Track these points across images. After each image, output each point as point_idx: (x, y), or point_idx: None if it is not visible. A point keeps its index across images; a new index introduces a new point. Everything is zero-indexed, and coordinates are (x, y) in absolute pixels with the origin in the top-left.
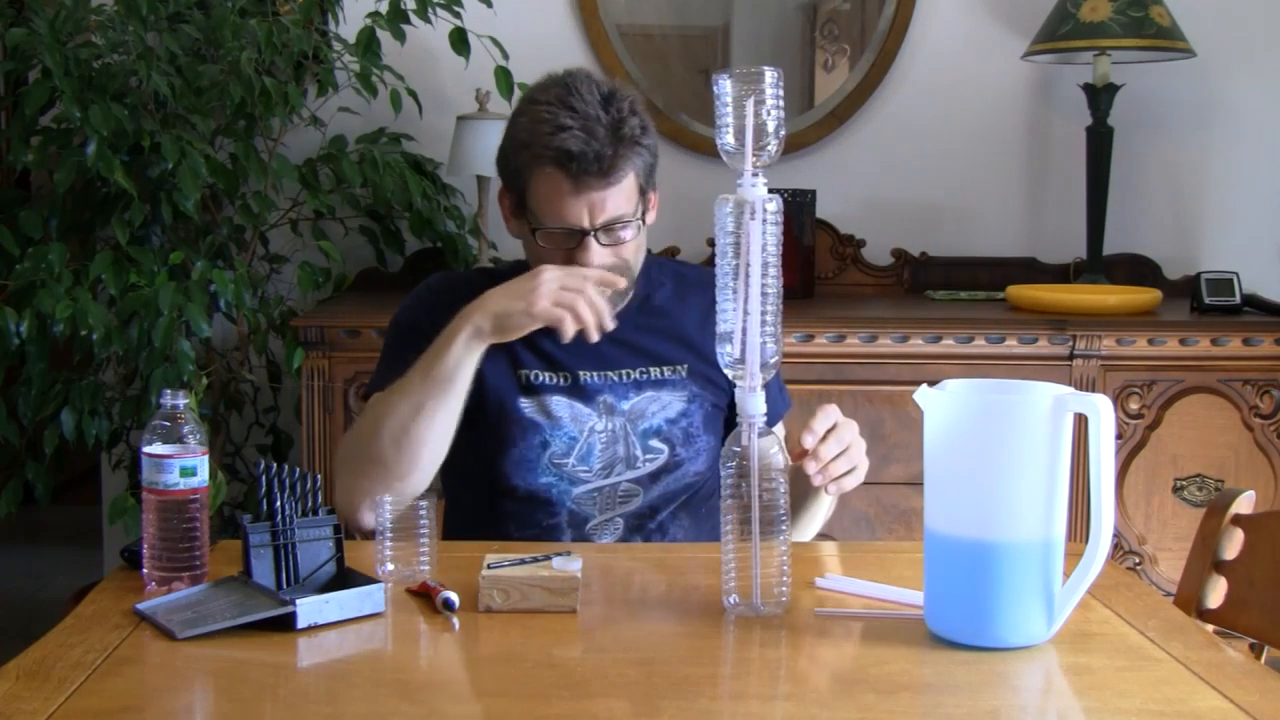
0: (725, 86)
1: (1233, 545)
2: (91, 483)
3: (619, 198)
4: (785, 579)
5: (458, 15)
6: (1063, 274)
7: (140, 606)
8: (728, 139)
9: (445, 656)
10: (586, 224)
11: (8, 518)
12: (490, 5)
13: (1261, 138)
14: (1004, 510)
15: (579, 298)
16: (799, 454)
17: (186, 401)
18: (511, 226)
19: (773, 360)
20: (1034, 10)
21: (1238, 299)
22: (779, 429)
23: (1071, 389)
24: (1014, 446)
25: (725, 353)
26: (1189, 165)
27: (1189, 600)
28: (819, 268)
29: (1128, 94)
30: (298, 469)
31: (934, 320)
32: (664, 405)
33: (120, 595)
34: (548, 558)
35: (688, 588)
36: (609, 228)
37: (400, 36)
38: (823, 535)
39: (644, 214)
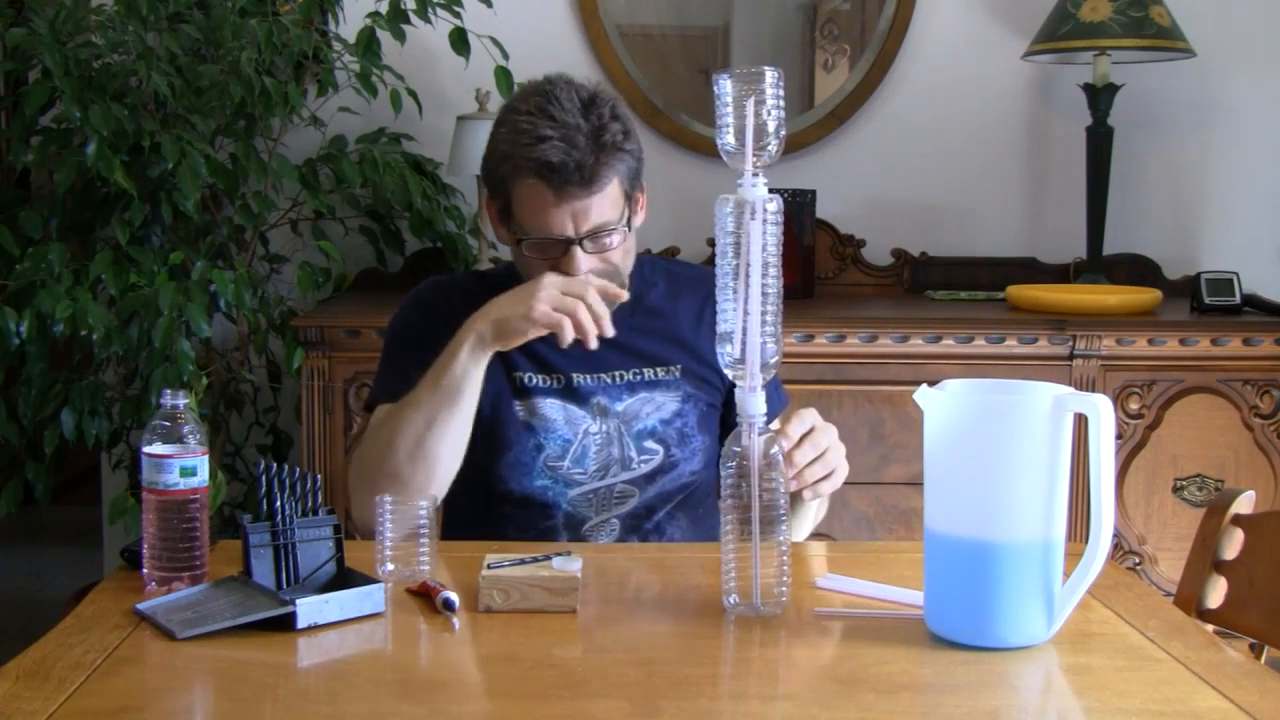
0: (725, 86)
1: (1233, 545)
2: (91, 483)
3: (603, 205)
4: (785, 579)
5: (458, 15)
6: (1063, 274)
7: (140, 606)
8: (728, 139)
9: (445, 656)
10: (571, 233)
11: (8, 518)
12: (490, 5)
13: (1261, 138)
14: (1004, 510)
15: (579, 304)
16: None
17: (186, 401)
18: (500, 233)
19: (773, 360)
20: (1034, 10)
21: (1238, 299)
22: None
23: (1071, 389)
24: (1014, 446)
25: (725, 353)
26: (1189, 165)
27: (1189, 600)
28: (819, 268)
29: (1128, 94)
30: (298, 469)
31: (934, 320)
32: (658, 406)
33: (120, 595)
34: (547, 558)
35: (687, 587)
36: (594, 235)
37: (400, 36)
38: (823, 535)
39: (630, 218)
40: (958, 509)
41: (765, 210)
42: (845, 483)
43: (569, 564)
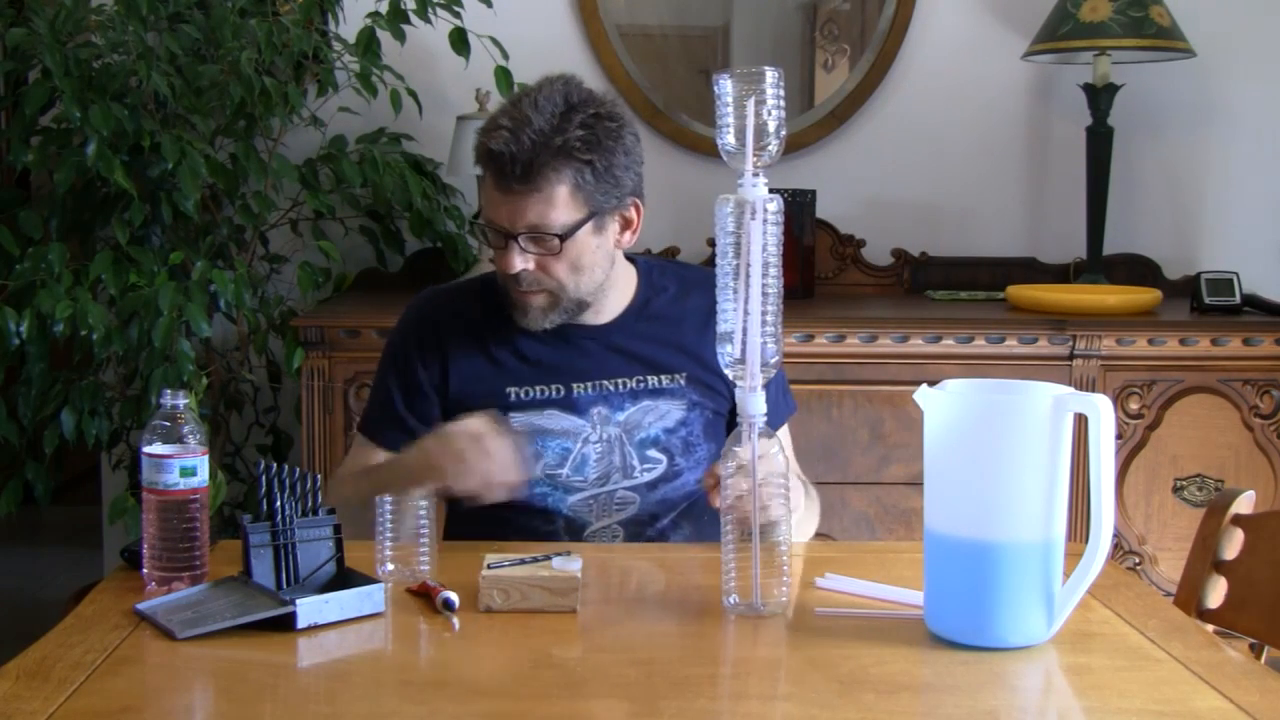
0: (726, 86)
1: (1233, 545)
2: (91, 483)
3: (542, 207)
4: (785, 579)
5: (458, 15)
6: (1063, 274)
7: (140, 606)
8: (728, 139)
9: (445, 656)
10: (509, 227)
11: (8, 518)
12: (490, 5)
13: (1261, 138)
14: (1004, 510)
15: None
16: (712, 484)
17: (186, 401)
18: None
19: (773, 360)
20: (1034, 10)
21: (1238, 299)
22: (783, 432)
23: (1071, 389)
24: (1014, 446)
25: (725, 353)
26: (1189, 165)
27: (1189, 600)
28: (819, 268)
29: (1128, 94)
30: (298, 469)
31: (934, 320)
32: (661, 415)
33: (120, 595)
34: (548, 558)
35: (687, 588)
36: (532, 236)
37: (400, 36)
38: (823, 535)
39: (599, 226)
40: (958, 509)
41: (765, 210)
42: (845, 483)
43: (569, 564)
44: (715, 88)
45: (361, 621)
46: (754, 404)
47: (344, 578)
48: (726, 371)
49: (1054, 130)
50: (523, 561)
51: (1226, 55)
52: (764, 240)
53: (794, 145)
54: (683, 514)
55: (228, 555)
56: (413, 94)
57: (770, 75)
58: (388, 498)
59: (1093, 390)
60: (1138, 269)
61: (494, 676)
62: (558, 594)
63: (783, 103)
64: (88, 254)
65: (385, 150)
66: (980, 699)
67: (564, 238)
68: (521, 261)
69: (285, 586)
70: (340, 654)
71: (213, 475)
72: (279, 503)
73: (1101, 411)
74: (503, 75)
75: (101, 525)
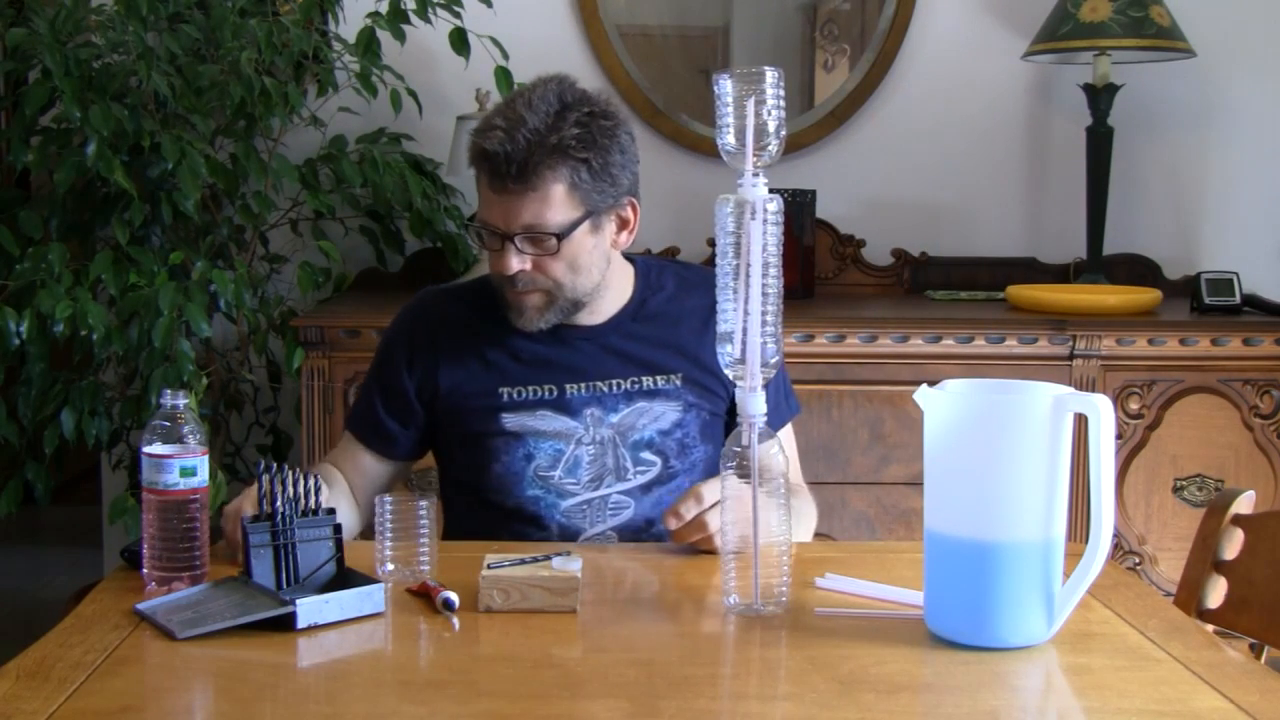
0: (726, 86)
1: (1233, 545)
2: (91, 483)
3: (538, 206)
4: (785, 579)
5: (458, 15)
6: (1063, 274)
7: (140, 606)
8: (728, 139)
9: (445, 656)
10: (504, 228)
11: (8, 518)
12: (490, 5)
13: (1261, 138)
14: (1004, 510)
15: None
16: (673, 524)
17: (186, 401)
18: None
19: (773, 360)
20: (1034, 10)
21: (1238, 299)
22: (786, 433)
23: (1071, 389)
24: (1014, 446)
25: (725, 353)
26: (1189, 165)
27: (1189, 600)
28: (819, 268)
29: (1128, 94)
30: (298, 469)
31: (934, 320)
32: (656, 417)
33: (120, 595)
34: (548, 558)
35: (687, 588)
36: (529, 237)
37: (400, 36)
38: (823, 535)
39: (595, 225)
40: (958, 509)
41: (765, 210)
42: (845, 483)
43: (569, 564)
44: (715, 88)
45: (361, 621)
46: (754, 404)
47: (344, 578)
48: (727, 371)
49: (1054, 130)
50: (523, 561)
51: (1226, 55)
52: (764, 240)
53: (794, 145)
54: None
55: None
56: (413, 94)
57: (770, 75)
58: (387, 497)
59: (1093, 390)
60: (1138, 269)
61: (494, 676)
62: (558, 594)
63: (783, 103)
64: (88, 254)
65: (385, 150)
66: (980, 699)
67: (561, 237)
68: (518, 262)
69: (285, 586)
70: (340, 654)
71: (213, 475)
72: (279, 503)
73: (1101, 411)
74: (503, 75)
75: (101, 525)
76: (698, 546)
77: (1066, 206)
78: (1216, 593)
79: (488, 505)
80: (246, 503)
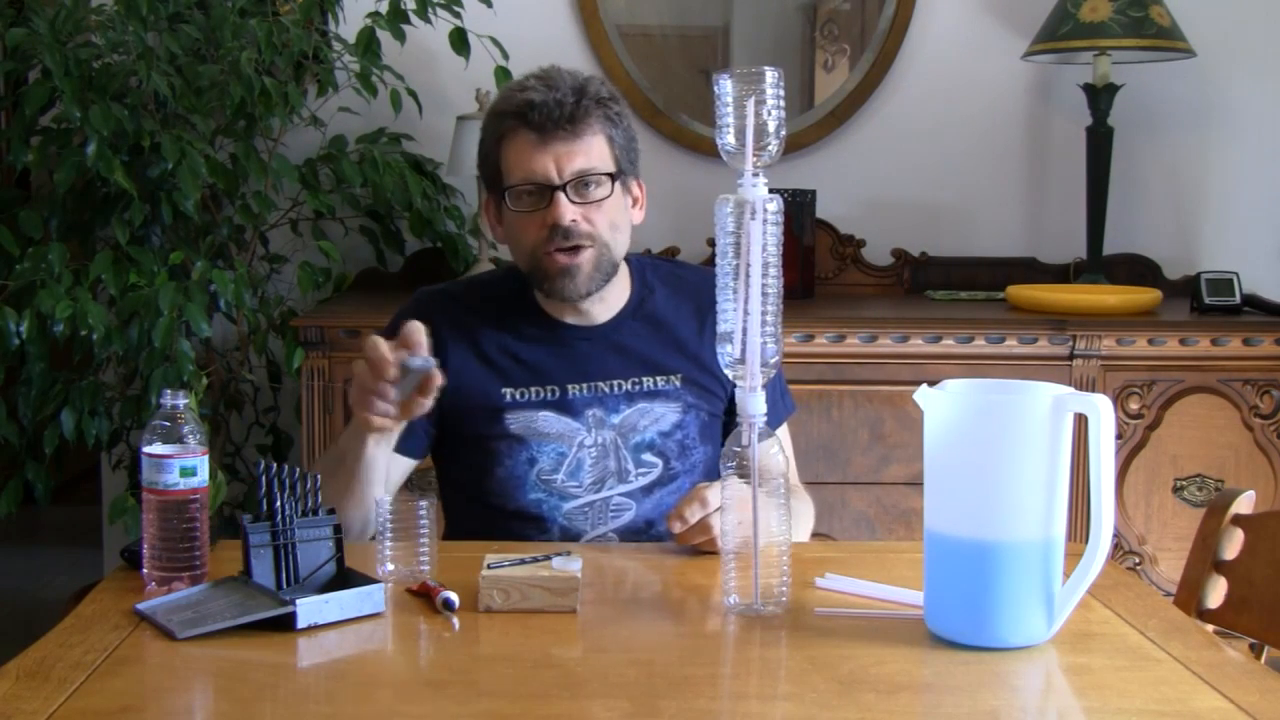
0: (726, 86)
1: (1233, 545)
2: (91, 483)
3: (588, 153)
4: (785, 579)
5: (458, 15)
6: (1063, 274)
7: (140, 606)
8: (728, 139)
9: (445, 656)
10: (555, 178)
11: (8, 518)
12: (490, 5)
13: (1261, 138)
14: (1004, 510)
15: (367, 397)
16: (677, 527)
17: (186, 401)
18: (497, 232)
19: (773, 360)
20: (1034, 10)
21: (1238, 299)
22: (783, 432)
23: (1071, 389)
24: (1014, 446)
25: (725, 353)
26: (1189, 165)
27: (1189, 600)
28: (819, 268)
29: (1128, 94)
30: (298, 469)
31: (934, 320)
32: (657, 418)
33: (120, 595)
34: (548, 558)
35: (688, 588)
36: (579, 183)
37: (400, 36)
38: (823, 535)
39: (625, 187)
40: (958, 509)
41: (765, 210)
42: (845, 483)
43: (569, 564)
44: (715, 88)
45: (361, 621)
46: (754, 404)
47: (344, 578)
48: (726, 371)
49: (1054, 130)
50: (523, 561)
51: (1226, 55)
52: (764, 240)
53: (794, 145)
54: None
55: (228, 555)
56: (413, 94)
57: (770, 75)
58: (387, 497)
59: (1093, 390)
60: (1138, 269)
61: (494, 676)
62: (558, 594)
63: (783, 103)
64: (88, 254)
65: (385, 150)
66: (980, 699)
67: (614, 178)
68: (571, 212)
69: (285, 586)
70: (340, 654)
71: (213, 475)
72: (279, 503)
73: (1101, 411)
74: (503, 75)
75: (101, 525)
76: (701, 548)
77: (1066, 206)
78: (1216, 593)
79: (488, 507)
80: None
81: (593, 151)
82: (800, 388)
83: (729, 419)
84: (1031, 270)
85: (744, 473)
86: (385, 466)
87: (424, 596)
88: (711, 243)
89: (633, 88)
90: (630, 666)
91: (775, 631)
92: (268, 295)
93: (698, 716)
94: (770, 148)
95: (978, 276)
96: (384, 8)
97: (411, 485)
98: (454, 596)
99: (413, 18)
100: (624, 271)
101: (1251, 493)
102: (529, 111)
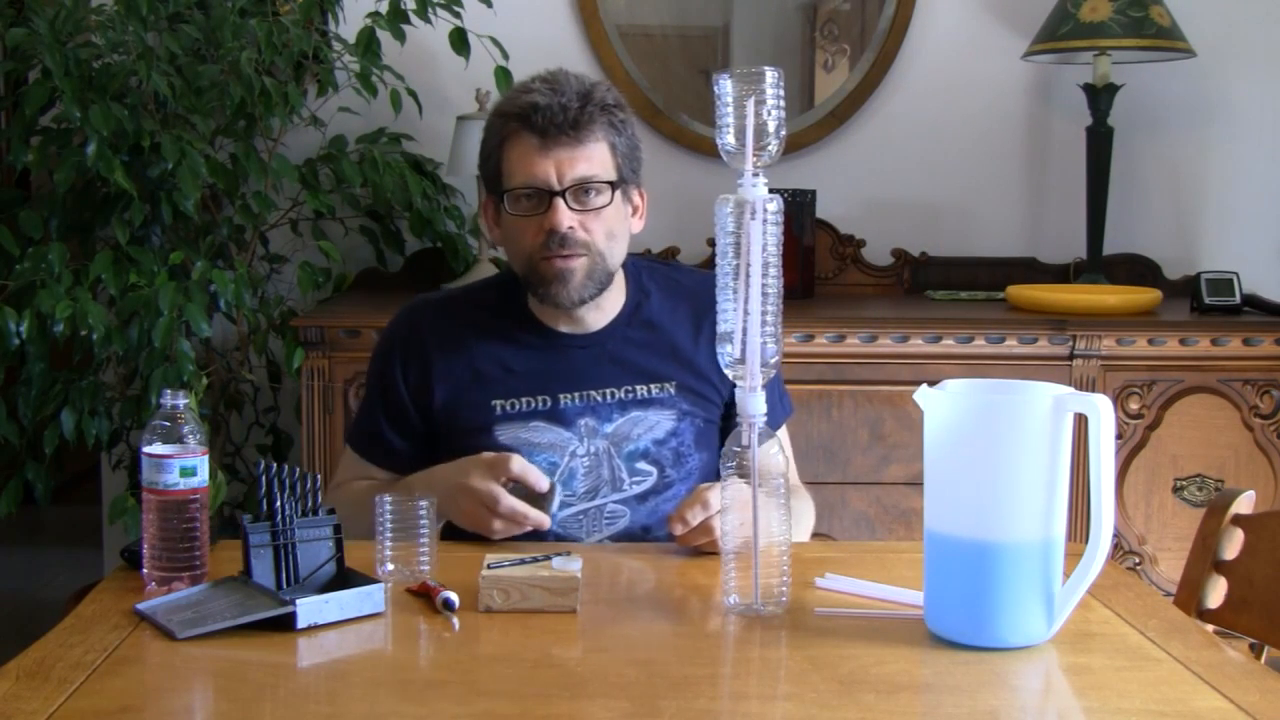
0: (726, 86)
1: (1233, 545)
2: (91, 483)
3: (590, 160)
4: (785, 579)
5: (458, 15)
6: (1063, 274)
7: (140, 606)
8: (728, 139)
9: (445, 656)
10: (555, 183)
11: (8, 518)
12: (490, 5)
13: (1261, 138)
14: (1004, 510)
15: (489, 521)
16: (679, 529)
17: (186, 401)
18: (494, 233)
19: (773, 360)
20: (1034, 10)
21: (1238, 299)
22: (781, 433)
23: (1071, 389)
24: (1014, 446)
25: (725, 353)
26: (1189, 165)
27: (1189, 600)
28: (819, 268)
29: (1128, 94)
30: (298, 469)
31: (934, 320)
32: (650, 426)
33: (120, 595)
34: (548, 558)
35: (688, 587)
36: (579, 190)
37: (400, 36)
38: (823, 535)
39: (625, 195)
40: (958, 509)
41: (765, 210)
42: (845, 483)
43: (569, 564)
44: (715, 88)
45: (361, 621)
46: (754, 404)
47: (344, 578)
48: (726, 371)
49: (1054, 130)
50: (523, 561)
51: (1226, 55)
52: (764, 240)
53: (794, 145)
54: None
55: (228, 555)
56: (413, 94)
57: (770, 75)
58: (387, 497)
59: (1093, 390)
60: (1138, 269)
61: (494, 676)
62: (558, 594)
63: (783, 103)
64: (88, 254)
65: (385, 150)
66: (980, 699)
67: (615, 187)
68: (569, 220)
69: (285, 586)
70: (340, 654)
71: (213, 475)
72: (279, 503)
73: (1101, 411)
74: (503, 75)
75: (101, 525)
76: (703, 549)
77: (1066, 206)
78: (1216, 593)
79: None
80: (485, 485)
81: (594, 158)
82: (800, 388)
83: (726, 424)
84: (1031, 270)
85: (744, 473)
86: None
87: (424, 596)
88: (711, 243)
89: (633, 88)
90: (630, 666)
91: (775, 631)
92: (268, 295)
93: (698, 716)
94: (770, 148)
95: (978, 276)
96: (384, 8)
97: None
98: (454, 596)
99: (413, 18)
100: (620, 277)
101: (1251, 493)
102: (532, 114)
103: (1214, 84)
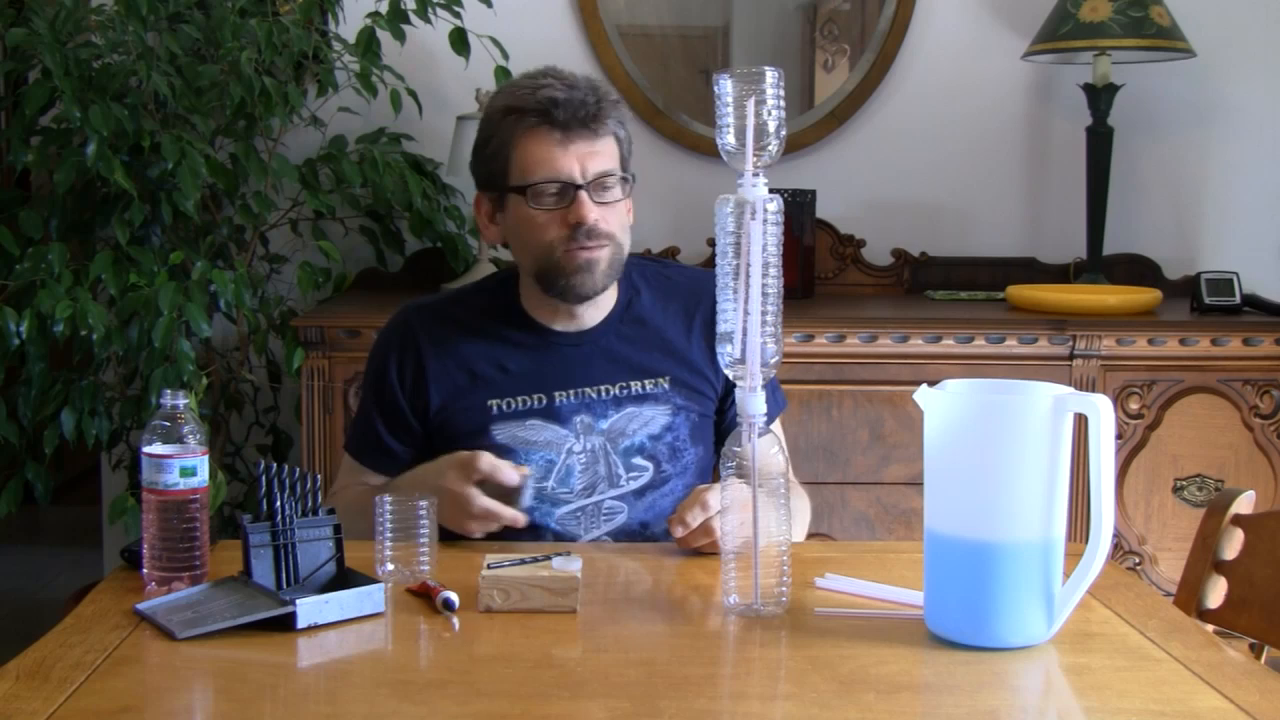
0: (726, 86)
1: (1233, 545)
2: (91, 483)
3: (607, 153)
4: (785, 579)
5: (458, 15)
6: (1063, 274)
7: (140, 606)
8: (728, 139)
9: (445, 656)
10: (578, 177)
11: (8, 518)
12: (490, 5)
13: (1261, 138)
14: (1004, 510)
15: (465, 522)
16: (678, 531)
17: (186, 401)
18: (490, 232)
19: (773, 360)
20: (1034, 10)
21: (1238, 299)
22: (775, 427)
23: (1071, 389)
24: (1014, 446)
25: (725, 352)
26: (1189, 165)
27: (1189, 600)
28: (819, 268)
29: (1128, 94)
30: (298, 469)
31: (934, 320)
32: (646, 422)
33: (120, 595)
34: (548, 558)
35: (688, 587)
36: (600, 184)
37: (400, 36)
38: (823, 535)
39: (630, 187)
40: (958, 509)
41: (765, 210)
42: (845, 483)
43: (569, 564)
44: (715, 88)
45: (361, 621)
46: (754, 404)
47: (344, 578)
48: (727, 371)
49: (1054, 130)
50: (523, 561)
51: (1226, 55)
52: (764, 240)
53: (794, 145)
54: None
55: (228, 555)
56: (413, 94)
57: (770, 75)
58: (387, 497)
59: (1093, 390)
60: (1138, 269)
61: (494, 676)
62: (558, 594)
63: (783, 103)
64: (88, 254)
65: (385, 150)
66: (980, 699)
67: (631, 181)
68: (594, 213)
69: (285, 586)
70: (340, 654)
71: (213, 475)
72: (279, 503)
73: (1101, 411)
74: (503, 75)
75: (101, 525)
76: (703, 550)
77: (1066, 206)
78: (1216, 593)
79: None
80: (459, 479)
81: (609, 152)
82: (800, 388)
83: (721, 420)
84: (1031, 270)
85: (744, 474)
86: None
87: (424, 596)
88: (711, 243)
89: (633, 88)
90: (630, 666)
91: (775, 631)
92: (268, 295)
93: (698, 716)
94: (770, 148)
95: (978, 276)
96: (384, 8)
97: None
98: (454, 596)
99: (413, 18)
100: None
101: (1251, 493)
102: (553, 109)
103: (1214, 84)
